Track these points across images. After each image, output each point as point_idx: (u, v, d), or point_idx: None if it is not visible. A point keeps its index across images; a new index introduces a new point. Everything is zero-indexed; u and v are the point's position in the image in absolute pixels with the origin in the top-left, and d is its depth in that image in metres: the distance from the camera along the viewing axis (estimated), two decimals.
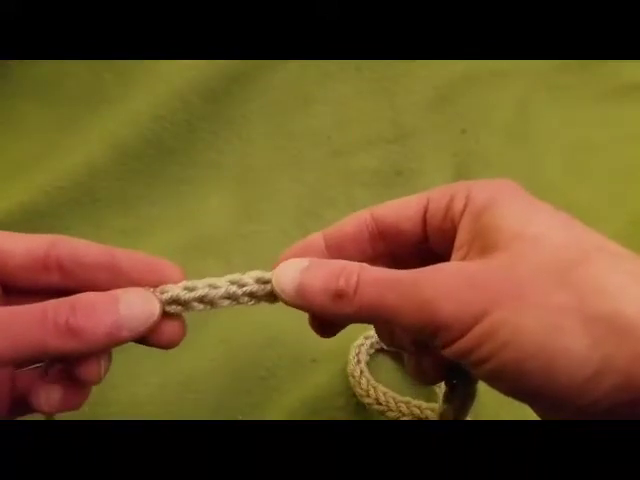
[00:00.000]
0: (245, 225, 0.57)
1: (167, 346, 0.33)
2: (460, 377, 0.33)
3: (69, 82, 0.59)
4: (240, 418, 0.46)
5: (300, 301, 0.31)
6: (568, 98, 0.64)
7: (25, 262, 0.32)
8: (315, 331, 0.34)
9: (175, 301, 0.32)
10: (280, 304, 0.32)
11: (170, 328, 0.32)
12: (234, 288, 0.32)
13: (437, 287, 0.27)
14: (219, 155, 0.59)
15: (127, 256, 0.33)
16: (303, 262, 0.31)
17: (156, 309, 0.31)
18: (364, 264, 0.30)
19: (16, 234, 0.33)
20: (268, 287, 0.32)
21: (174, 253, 0.54)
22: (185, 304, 0.32)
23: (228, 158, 0.59)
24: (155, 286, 0.32)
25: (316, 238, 0.34)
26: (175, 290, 0.32)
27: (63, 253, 0.33)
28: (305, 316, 0.33)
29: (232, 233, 0.56)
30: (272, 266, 0.34)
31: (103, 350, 0.30)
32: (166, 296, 0.32)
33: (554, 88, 0.65)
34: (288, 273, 0.31)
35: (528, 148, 0.61)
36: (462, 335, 0.27)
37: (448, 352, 0.28)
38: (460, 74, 0.64)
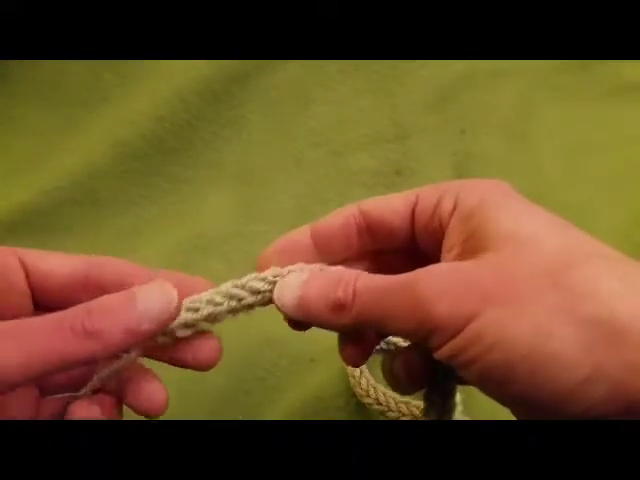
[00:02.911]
0: (245, 225, 0.57)
1: (203, 367, 0.33)
2: (438, 391, 0.33)
3: (69, 82, 0.59)
4: (240, 418, 0.46)
5: (302, 315, 0.31)
6: (568, 98, 0.64)
7: (65, 283, 0.32)
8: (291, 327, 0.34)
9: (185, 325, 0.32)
10: None
11: (207, 347, 0.33)
12: (234, 303, 0.32)
13: (431, 288, 0.27)
14: (219, 155, 0.59)
15: (168, 277, 0.32)
16: (302, 275, 0.31)
17: (174, 297, 0.30)
18: (360, 272, 0.31)
19: (53, 254, 0.33)
20: (267, 295, 0.32)
21: (174, 253, 0.54)
22: (192, 326, 0.32)
23: (228, 158, 0.59)
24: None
25: (303, 232, 0.34)
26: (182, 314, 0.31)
27: (106, 275, 0.32)
28: None
29: (232, 233, 0.56)
30: (256, 261, 0.34)
31: (125, 350, 0.30)
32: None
33: (554, 88, 0.65)
34: (289, 289, 0.31)
35: (528, 148, 0.61)
36: (454, 336, 0.27)
37: (440, 354, 0.28)
38: (460, 74, 0.64)
